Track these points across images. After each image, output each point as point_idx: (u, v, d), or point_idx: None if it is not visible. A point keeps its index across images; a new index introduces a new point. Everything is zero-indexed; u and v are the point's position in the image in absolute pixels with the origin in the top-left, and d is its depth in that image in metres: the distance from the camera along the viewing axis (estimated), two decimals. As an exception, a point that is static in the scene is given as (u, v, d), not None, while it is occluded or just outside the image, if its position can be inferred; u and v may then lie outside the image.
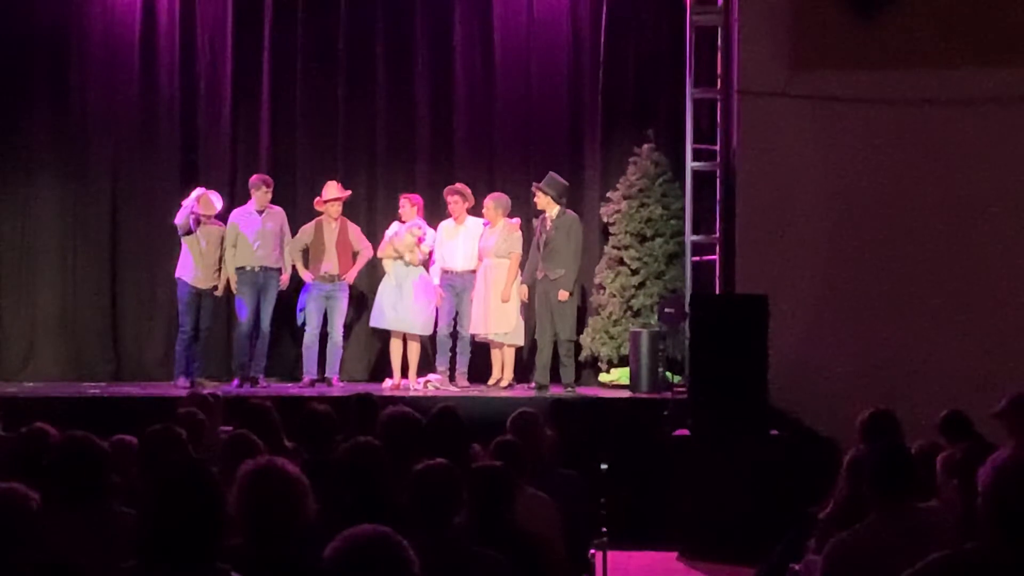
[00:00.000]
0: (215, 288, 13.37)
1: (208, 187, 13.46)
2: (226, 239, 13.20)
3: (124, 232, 14.42)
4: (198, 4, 14.44)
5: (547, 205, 12.81)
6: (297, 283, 13.44)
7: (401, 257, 13.11)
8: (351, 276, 13.32)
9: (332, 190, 13.33)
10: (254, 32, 14.42)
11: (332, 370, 13.25)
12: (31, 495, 4.52)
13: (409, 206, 13.21)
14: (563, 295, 12.59)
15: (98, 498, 5.37)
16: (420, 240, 13.06)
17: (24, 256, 14.41)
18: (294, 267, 13.33)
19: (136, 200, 14.43)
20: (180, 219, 13.17)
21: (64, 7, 14.40)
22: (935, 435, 7.57)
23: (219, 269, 13.30)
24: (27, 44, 14.36)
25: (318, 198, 13.39)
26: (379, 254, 13.37)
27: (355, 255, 13.36)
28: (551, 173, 12.96)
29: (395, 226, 13.32)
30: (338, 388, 12.75)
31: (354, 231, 13.44)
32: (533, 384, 12.83)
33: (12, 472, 5.47)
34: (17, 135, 14.42)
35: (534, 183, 12.94)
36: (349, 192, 13.48)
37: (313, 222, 13.37)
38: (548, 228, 12.76)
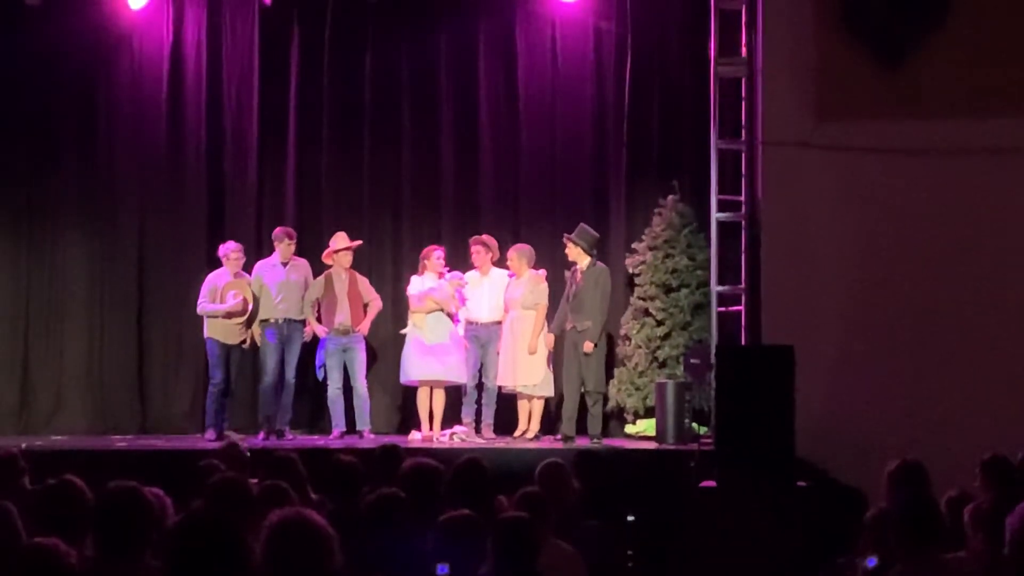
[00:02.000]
0: (244, 342, 13.42)
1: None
2: (252, 290, 13.28)
3: (151, 285, 14.50)
4: (224, 58, 14.56)
5: (578, 256, 12.87)
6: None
7: (442, 309, 13.13)
8: (364, 328, 13.30)
9: (342, 240, 13.34)
10: (280, 85, 14.53)
11: (363, 423, 13.19)
12: (71, 551, 4.54)
13: (433, 257, 13.25)
14: (587, 347, 12.60)
15: (138, 551, 5.33)
16: (462, 287, 13.11)
17: (52, 309, 14.51)
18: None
19: (163, 253, 14.52)
20: (206, 310, 13.27)
21: (91, 62, 14.54)
22: (965, 484, 7.53)
23: (247, 324, 13.36)
24: (54, 99, 14.53)
25: (327, 250, 13.36)
26: (413, 309, 13.28)
27: (365, 306, 13.37)
28: (582, 225, 13.01)
29: (415, 281, 13.32)
30: (369, 440, 12.71)
31: (363, 282, 13.43)
32: (560, 436, 12.82)
33: (41, 526, 5.46)
34: (45, 189, 14.56)
35: (565, 234, 12.99)
36: (359, 242, 13.50)
37: (323, 275, 13.33)
38: (578, 279, 12.80)
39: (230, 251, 13.35)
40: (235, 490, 6.34)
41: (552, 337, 12.95)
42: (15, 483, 7.35)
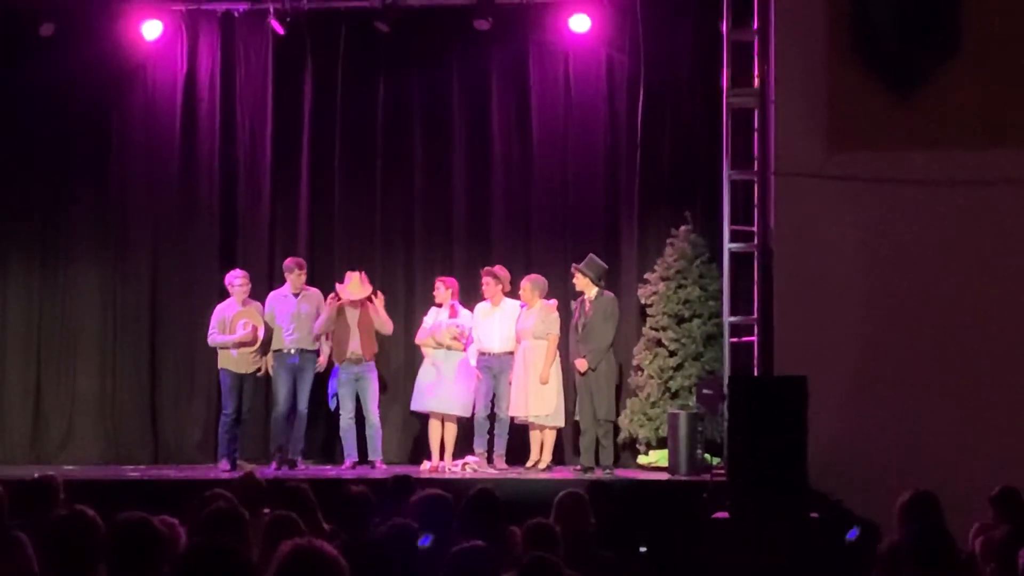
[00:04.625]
0: (258, 371, 13.42)
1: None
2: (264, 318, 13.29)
3: (163, 315, 14.51)
4: (238, 88, 14.60)
5: (586, 287, 12.87)
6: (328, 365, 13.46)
7: (443, 346, 13.18)
8: (379, 312, 13.21)
9: (357, 287, 13.19)
10: (293, 115, 14.55)
11: (375, 453, 13.21)
12: None
13: (444, 288, 13.27)
14: (581, 365, 12.61)
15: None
16: (460, 337, 13.13)
17: (64, 338, 14.53)
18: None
19: (175, 283, 14.53)
20: (216, 341, 13.29)
21: (105, 92, 14.58)
22: (979, 516, 7.51)
23: (261, 351, 13.35)
24: (68, 128, 14.58)
25: (341, 287, 13.22)
26: (417, 341, 13.40)
27: (376, 335, 13.32)
28: (591, 255, 13.01)
29: (432, 312, 13.35)
30: (381, 470, 12.69)
31: (374, 311, 13.40)
32: (579, 467, 12.79)
33: (53, 557, 5.43)
34: (58, 218, 14.59)
35: (574, 264, 13.00)
36: (371, 289, 13.29)
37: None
38: (587, 309, 12.81)
39: (236, 279, 13.35)
40: (230, 521, 6.33)
41: (584, 361, 12.86)
42: (48, 510, 7.32)
